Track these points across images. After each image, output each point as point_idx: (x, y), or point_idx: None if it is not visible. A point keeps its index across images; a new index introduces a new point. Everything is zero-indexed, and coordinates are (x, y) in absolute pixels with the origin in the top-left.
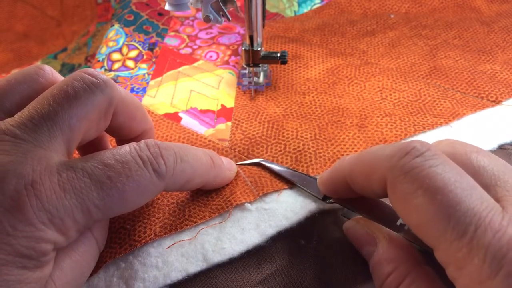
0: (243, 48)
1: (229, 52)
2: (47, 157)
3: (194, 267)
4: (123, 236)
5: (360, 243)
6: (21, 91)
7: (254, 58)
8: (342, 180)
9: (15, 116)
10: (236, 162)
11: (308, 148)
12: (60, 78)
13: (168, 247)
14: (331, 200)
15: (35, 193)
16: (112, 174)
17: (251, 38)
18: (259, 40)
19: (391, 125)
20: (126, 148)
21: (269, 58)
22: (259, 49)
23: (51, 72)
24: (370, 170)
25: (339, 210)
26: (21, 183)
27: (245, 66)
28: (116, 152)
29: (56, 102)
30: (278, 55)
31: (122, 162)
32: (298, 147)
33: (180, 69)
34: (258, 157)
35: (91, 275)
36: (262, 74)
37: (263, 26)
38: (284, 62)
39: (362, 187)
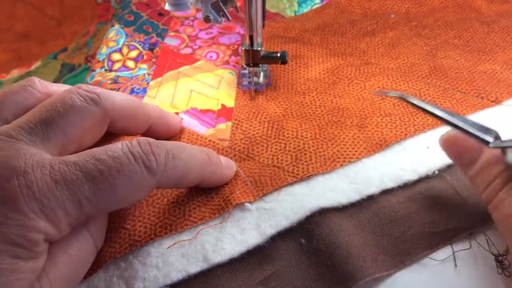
0: (243, 48)
1: (229, 52)
2: (40, 153)
3: (194, 267)
4: (123, 236)
5: (461, 150)
6: (16, 101)
7: (254, 58)
8: None
9: (13, 122)
10: (235, 162)
11: (309, 147)
12: (49, 85)
13: (169, 247)
14: (498, 144)
15: (27, 183)
16: (104, 168)
17: (251, 38)
18: (259, 40)
19: (391, 125)
20: (118, 144)
21: (269, 58)
22: (259, 49)
23: (39, 83)
24: None
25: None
26: (13, 174)
27: (245, 66)
28: (108, 148)
29: (53, 109)
30: (278, 55)
31: (113, 157)
32: (298, 146)
33: (181, 69)
34: (258, 156)
35: (90, 274)
36: (262, 74)
37: (263, 26)
38: (284, 62)
39: None
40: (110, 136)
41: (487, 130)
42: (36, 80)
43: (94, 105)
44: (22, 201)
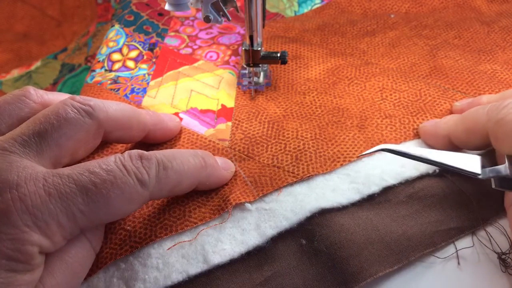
0: (243, 48)
1: (229, 52)
2: (33, 166)
3: (194, 269)
4: (123, 237)
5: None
6: (10, 112)
7: (254, 58)
8: (445, 136)
9: (7, 134)
10: (235, 162)
11: (309, 148)
12: (45, 94)
13: (169, 248)
14: (492, 176)
15: (20, 196)
16: (97, 180)
17: (251, 38)
18: (259, 40)
19: (391, 128)
20: (111, 158)
21: (269, 58)
22: (259, 49)
23: (35, 92)
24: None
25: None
26: (6, 187)
27: (245, 66)
28: (101, 161)
29: (47, 122)
30: (278, 55)
31: (107, 170)
32: (298, 146)
33: (180, 69)
34: (258, 156)
35: (90, 275)
36: (262, 74)
37: (263, 26)
38: (284, 62)
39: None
40: (104, 144)
41: (473, 160)
42: (31, 89)
43: (88, 117)
44: (15, 215)
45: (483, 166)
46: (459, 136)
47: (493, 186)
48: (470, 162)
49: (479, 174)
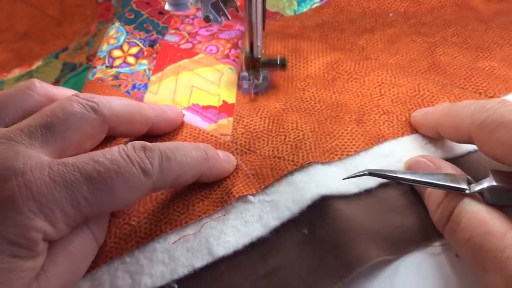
0: (243, 56)
1: (229, 46)
2: (39, 156)
3: (200, 262)
4: (128, 232)
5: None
6: (14, 104)
7: (254, 66)
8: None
9: (13, 125)
10: (236, 155)
11: (308, 138)
12: (50, 87)
13: (174, 242)
14: (478, 190)
15: (25, 183)
16: (102, 169)
17: (251, 45)
18: (259, 44)
19: (389, 124)
20: (115, 148)
21: (270, 63)
22: (259, 56)
23: (40, 85)
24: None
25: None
26: (11, 174)
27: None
28: (105, 151)
29: (53, 115)
30: (278, 62)
31: (111, 159)
32: (298, 136)
33: (181, 62)
34: (259, 149)
35: (94, 268)
36: (262, 76)
37: (263, 28)
38: (283, 67)
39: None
40: (107, 139)
41: (458, 178)
42: (37, 82)
43: (93, 112)
44: (20, 201)
45: (469, 182)
46: (446, 130)
47: (488, 201)
48: (456, 179)
49: (466, 189)
